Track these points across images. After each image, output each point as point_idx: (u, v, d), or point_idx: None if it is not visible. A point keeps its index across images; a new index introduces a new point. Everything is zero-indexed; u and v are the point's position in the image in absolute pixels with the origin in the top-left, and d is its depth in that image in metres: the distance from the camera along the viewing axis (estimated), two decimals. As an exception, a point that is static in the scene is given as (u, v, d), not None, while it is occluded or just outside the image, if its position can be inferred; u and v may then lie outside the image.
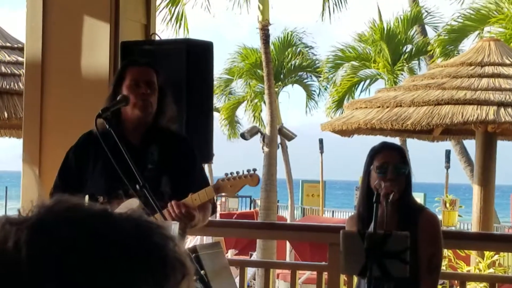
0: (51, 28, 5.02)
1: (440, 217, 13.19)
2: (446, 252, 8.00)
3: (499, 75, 9.12)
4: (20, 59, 8.03)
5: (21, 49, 8.01)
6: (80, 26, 4.95)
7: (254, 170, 3.58)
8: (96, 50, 4.94)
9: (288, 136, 15.90)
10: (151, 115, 3.82)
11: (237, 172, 3.57)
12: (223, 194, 3.69)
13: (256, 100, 21.93)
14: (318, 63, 21.98)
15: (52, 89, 5.03)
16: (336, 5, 15.18)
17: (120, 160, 3.50)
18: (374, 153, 3.91)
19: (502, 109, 8.57)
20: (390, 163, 3.84)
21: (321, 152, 18.53)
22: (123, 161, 3.48)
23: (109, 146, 3.55)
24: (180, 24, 12.66)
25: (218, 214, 17.56)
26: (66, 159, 4.00)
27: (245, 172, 3.56)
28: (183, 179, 3.79)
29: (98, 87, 4.86)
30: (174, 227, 3.38)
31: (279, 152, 18.64)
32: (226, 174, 3.60)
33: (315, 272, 5.67)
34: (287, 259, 12.48)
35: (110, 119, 3.65)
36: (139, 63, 3.93)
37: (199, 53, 4.67)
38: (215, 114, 23.22)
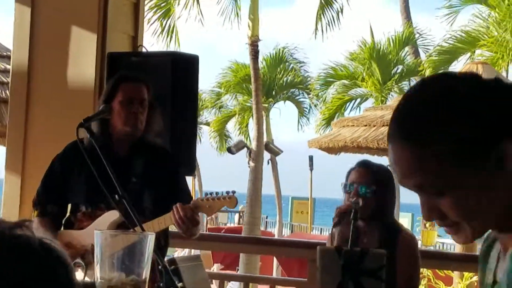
0: (38, 37, 5.03)
1: (419, 236, 13.16)
2: (425, 271, 8.00)
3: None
4: (8, 67, 8.02)
5: (10, 57, 8.00)
6: (67, 36, 4.97)
7: (233, 192, 3.61)
8: (82, 61, 4.96)
9: (274, 151, 15.94)
10: (140, 131, 3.84)
11: (216, 193, 3.61)
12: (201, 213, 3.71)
13: (246, 115, 21.96)
14: (309, 80, 22.05)
15: (38, 98, 5.04)
16: (329, 24, 15.27)
17: (103, 171, 3.49)
18: (349, 171, 3.98)
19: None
20: (355, 182, 3.89)
21: (311, 169, 18.54)
22: (107, 172, 3.47)
23: (93, 156, 3.55)
24: (171, 37, 12.70)
25: (206, 228, 17.57)
26: (52, 166, 4.00)
27: (224, 194, 3.60)
28: (166, 195, 3.80)
29: (84, 97, 4.88)
30: (151, 238, 3.39)
31: (269, 168, 18.66)
32: (206, 194, 3.64)
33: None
34: (274, 275, 12.47)
35: (92, 129, 3.68)
36: (133, 79, 3.93)
37: (184, 66, 4.70)
38: (205, 127, 23.24)
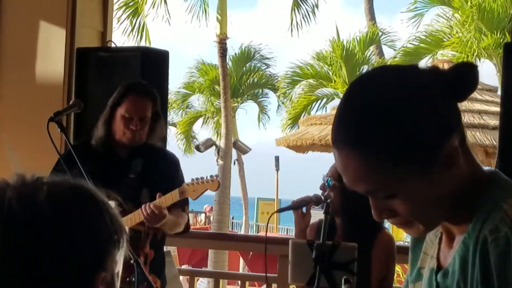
0: (6, 32, 4.99)
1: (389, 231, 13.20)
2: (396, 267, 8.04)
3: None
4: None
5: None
6: (36, 30, 4.93)
7: (217, 176, 3.81)
8: (51, 56, 4.93)
9: (242, 149, 15.95)
10: (139, 142, 3.94)
11: (201, 178, 3.78)
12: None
13: (216, 117, 21.94)
14: (276, 78, 22.08)
15: (6, 93, 5.00)
16: (304, 17, 15.33)
17: (104, 168, 3.81)
18: None
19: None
20: (326, 176, 3.90)
21: (277, 169, 18.57)
22: (106, 170, 3.78)
23: (96, 154, 3.86)
24: (142, 35, 12.66)
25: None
26: (57, 163, 3.99)
27: (208, 177, 3.77)
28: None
29: (53, 92, 4.85)
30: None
31: (235, 168, 18.66)
32: (192, 179, 3.79)
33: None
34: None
35: (63, 124, 3.71)
36: (140, 92, 3.96)
37: (154, 61, 4.69)
38: (172, 128, 23.15)
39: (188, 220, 4.09)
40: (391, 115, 1.38)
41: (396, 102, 1.39)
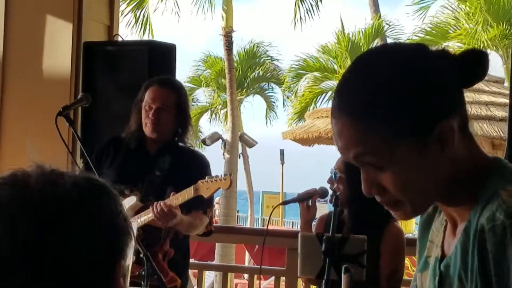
0: (13, 26, 4.99)
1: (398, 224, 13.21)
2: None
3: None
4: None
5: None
6: (42, 25, 4.93)
7: (230, 174, 3.79)
8: (58, 50, 4.93)
9: (248, 143, 15.93)
10: (165, 134, 3.91)
11: (216, 176, 3.74)
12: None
13: (224, 110, 21.92)
14: (280, 72, 22.06)
15: (13, 87, 5.00)
16: (308, 10, 15.30)
17: (128, 164, 3.87)
18: None
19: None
20: (334, 168, 3.89)
21: (282, 163, 18.56)
22: (134, 165, 3.85)
23: (127, 148, 3.89)
24: (145, 28, 12.64)
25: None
26: (91, 155, 4.00)
27: (221, 175, 3.74)
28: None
29: (60, 87, 4.85)
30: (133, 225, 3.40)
31: (240, 162, 18.66)
32: (207, 177, 3.76)
33: (273, 282, 5.70)
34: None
35: (71, 118, 3.71)
36: (161, 83, 3.95)
37: (161, 54, 4.68)
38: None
39: (210, 223, 3.98)
40: (388, 88, 1.39)
41: (401, 74, 1.40)
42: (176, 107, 3.90)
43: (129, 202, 3.75)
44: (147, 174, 3.84)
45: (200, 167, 3.93)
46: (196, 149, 4.26)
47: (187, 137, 3.97)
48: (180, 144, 3.95)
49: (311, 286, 4.75)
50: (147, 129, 3.87)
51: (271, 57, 22.38)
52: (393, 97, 1.38)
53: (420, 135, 1.38)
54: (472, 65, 1.43)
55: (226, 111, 19.32)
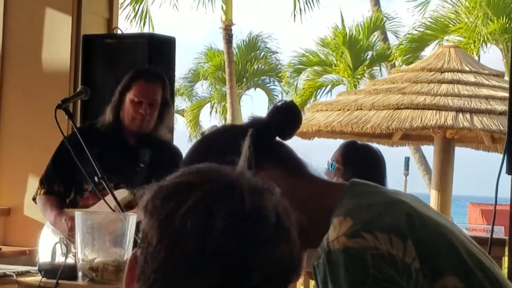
0: (12, 19, 4.98)
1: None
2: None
3: (458, 82, 9.22)
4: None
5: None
6: (42, 18, 4.92)
7: None
8: (57, 43, 4.92)
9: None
10: (148, 129, 3.91)
11: None
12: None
13: (222, 103, 21.91)
14: (280, 67, 22.04)
15: (12, 81, 4.99)
16: (307, 3, 15.27)
17: (109, 153, 3.80)
18: None
19: (460, 115, 8.66)
20: (331, 160, 3.87)
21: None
22: (116, 156, 3.80)
23: (104, 139, 3.84)
24: (145, 22, 12.62)
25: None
26: (61, 146, 3.93)
27: None
28: None
29: (59, 80, 4.84)
30: (132, 219, 3.39)
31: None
32: None
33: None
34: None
35: (71, 111, 3.69)
36: (149, 76, 3.95)
37: (161, 47, 4.67)
38: (179, 117, 23.11)
39: None
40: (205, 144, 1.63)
41: (211, 141, 1.64)
42: (162, 102, 3.92)
43: (120, 194, 3.67)
44: (132, 166, 3.83)
45: (178, 160, 3.94)
46: (171, 142, 4.17)
47: (163, 129, 3.96)
48: (156, 135, 3.94)
49: (310, 281, 4.75)
50: (134, 122, 3.86)
51: (270, 47, 22.35)
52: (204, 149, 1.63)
53: None
54: (280, 122, 1.59)
55: (225, 104, 19.32)
